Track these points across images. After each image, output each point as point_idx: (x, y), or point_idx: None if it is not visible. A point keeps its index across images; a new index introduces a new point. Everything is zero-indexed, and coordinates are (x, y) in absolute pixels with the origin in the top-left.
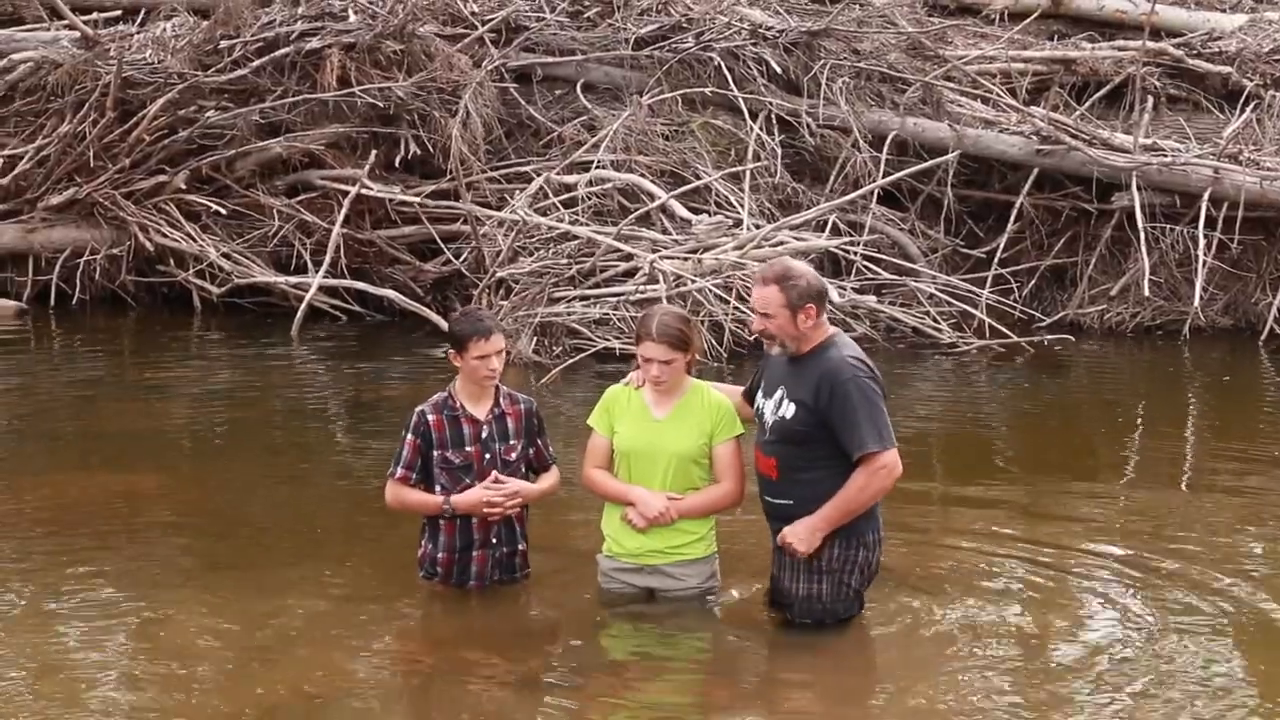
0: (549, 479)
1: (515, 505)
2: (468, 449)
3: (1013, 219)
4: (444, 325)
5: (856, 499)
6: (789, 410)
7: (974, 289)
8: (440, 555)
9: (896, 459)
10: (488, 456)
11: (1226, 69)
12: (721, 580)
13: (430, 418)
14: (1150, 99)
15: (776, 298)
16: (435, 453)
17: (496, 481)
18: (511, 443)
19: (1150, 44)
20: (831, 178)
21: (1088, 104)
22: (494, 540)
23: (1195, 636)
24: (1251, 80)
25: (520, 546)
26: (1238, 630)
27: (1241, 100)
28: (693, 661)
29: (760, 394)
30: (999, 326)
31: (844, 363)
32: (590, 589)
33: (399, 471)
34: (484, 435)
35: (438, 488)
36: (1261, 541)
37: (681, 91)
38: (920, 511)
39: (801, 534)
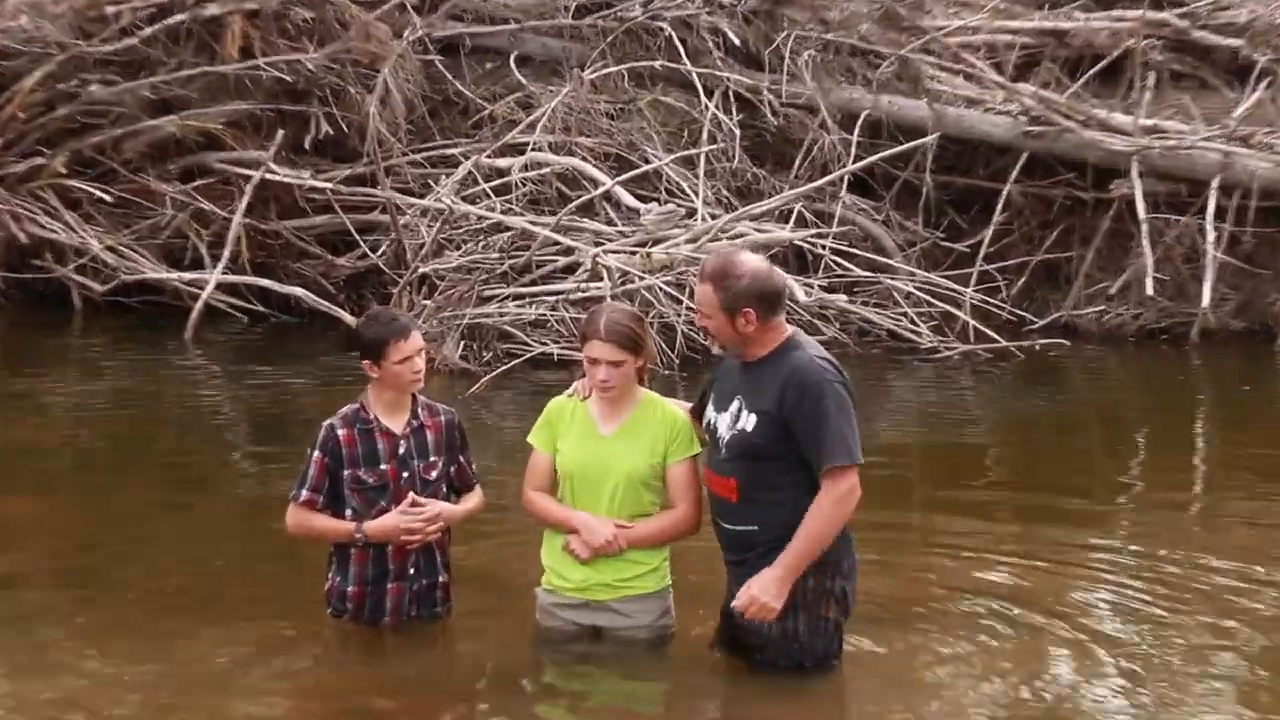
0: (473, 500)
1: (436, 531)
2: (382, 467)
3: (999, 209)
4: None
5: (825, 530)
6: (749, 422)
7: (957, 287)
8: (350, 589)
9: (857, 481)
10: (405, 475)
11: (1236, 42)
12: (677, 617)
13: (340, 432)
14: (1152, 75)
15: (711, 298)
16: (345, 472)
17: (414, 505)
18: (431, 459)
19: (1151, 14)
20: (796, 162)
21: (1082, 81)
22: (411, 571)
23: (1209, 681)
24: (1264, 54)
25: (441, 578)
26: (1253, 684)
27: (1253, 76)
28: (645, 713)
29: (711, 408)
30: (984, 329)
31: (812, 363)
32: (526, 627)
33: (303, 494)
34: (401, 451)
35: (348, 512)
36: None
37: (628, 65)
38: (897, 536)
39: (770, 588)
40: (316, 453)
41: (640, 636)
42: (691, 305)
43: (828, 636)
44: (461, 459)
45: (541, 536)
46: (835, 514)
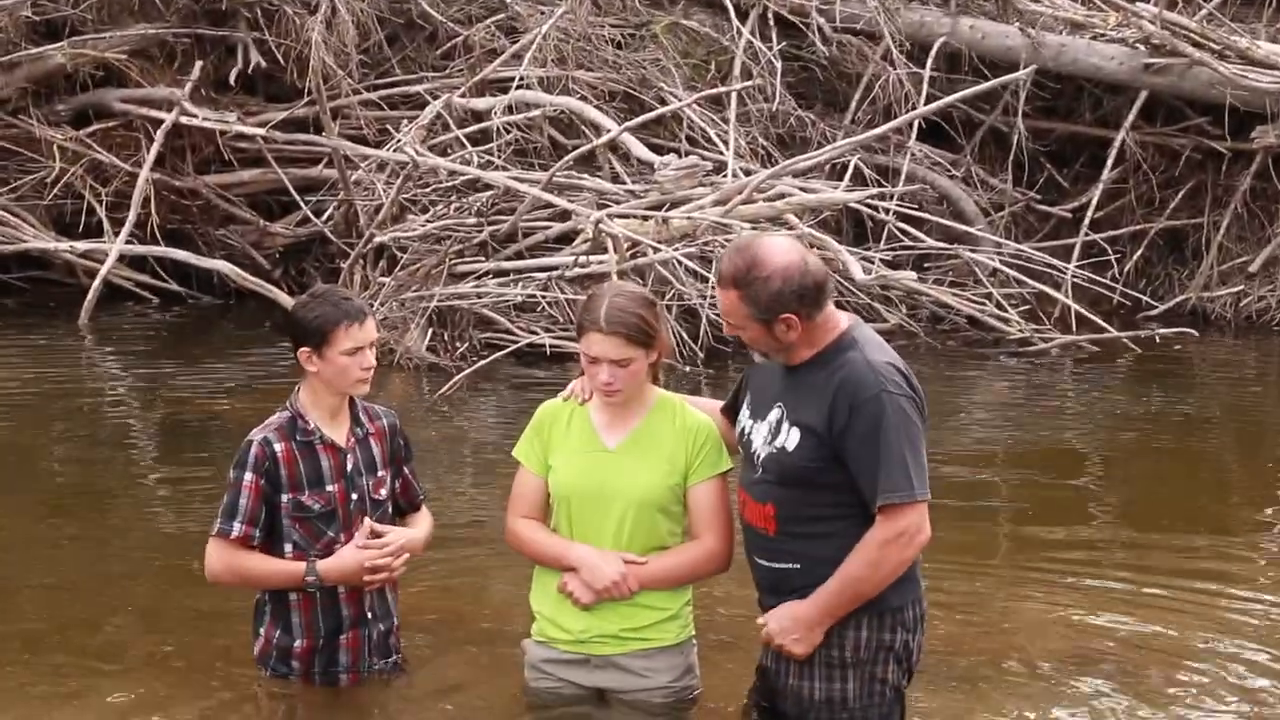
0: (424, 521)
1: (403, 566)
2: (329, 489)
3: (1110, 163)
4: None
5: (867, 578)
6: (790, 438)
7: (1055, 262)
8: (298, 644)
9: (925, 519)
10: (355, 497)
11: None
12: (701, 675)
13: (277, 447)
14: None
15: (737, 307)
16: (284, 497)
17: (373, 534)
18: (380, 474)
19: None
20: (853, 104)
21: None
22: (369, 615)
23: None
24: None
25: (395, 621)
26: None
27: None
28: None
29: (746, 412)
30: (1090, 315)
31: (869, 370)
32: (512, 688)
33: (236, 528)
34: (349, 468)
35: (288, 547)
36: None
37: None
38: (976, 574)
39: (791, 628)
40: (248, 475)
41: (655, 700)
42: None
43: (886, 705)
44: (406, 470)
45: (530, 575)
46: (882, 559)
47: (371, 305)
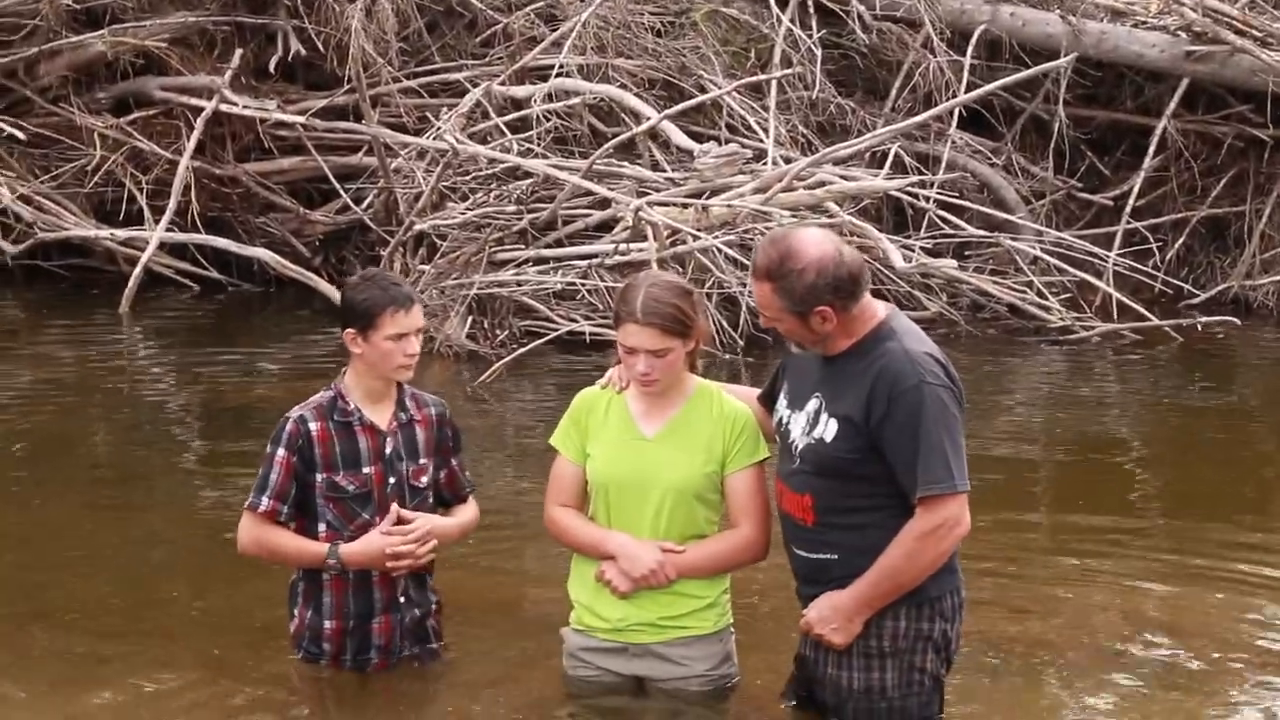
0: (467, 513)
1: (429, 554)
2: (365, 470)
3: (1151, 151)
4: (338, 298)
5: (905, 570)
6: (828, 429)
7: (1096, 250)
8: (327, 626)
9: (965, 510)
10: (392, 481)
11: None
12: (739, 664)
13: (312, 426)
14: None
15: (771, 300)
16: (319, 476)
17: (400, 521)
18: (422, 461)
19: None
20: (893, 92)
21: None
22: (402, 600)
23: None
24: None
25: (433, 605)
26: None
27: None
28: None
29: (784, 401)
30: (1132, 304)
31: (908, 361)
32: (551, 677)
33: (264, 503)
34: (388, 451)
35: (321, 527)
36: None
37: None
38: (1019, 560)
39: (830, 618)
40: (281, 451)
41: (693, 689)
42: None
43: (924, 693)
44: (453, 462)
45: (569, 563)
46: (921, 551)
47: (420, 295)
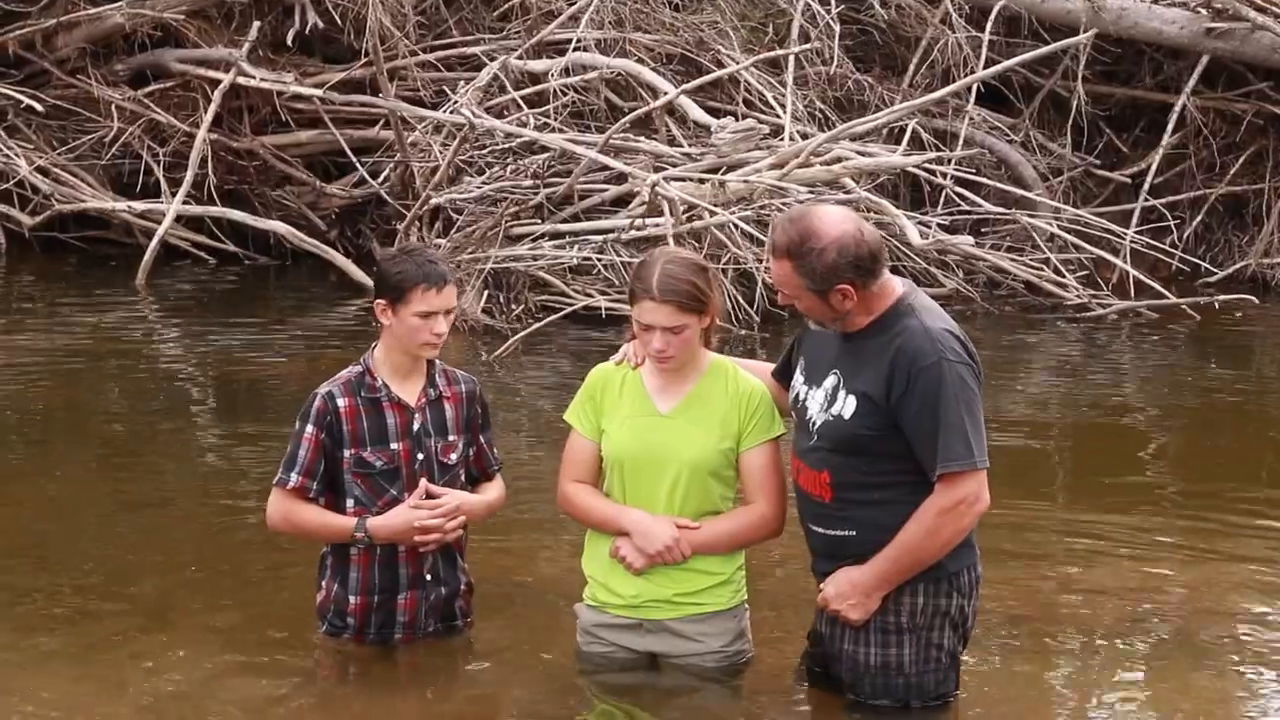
0: (493, 491)
1: (456, 529)
2: (393, 447)
3: (1170, 128)
4: (354, 271)
5: (924, 546)
6: (847, 405)
7: (1114, 228)
8: (353, 601)
9: (984, 487)
10: (420, 457)
11: None
12: (754, 641)
13: (340, 402)
14: None
15: (791, 278)
16: (347, 452)
17: (429, 496)
18: (451, 439)
19: None
20: (911, 68)
21: None
22: (429, 577)
23: None
24: None
25: (462, 585)
26: None
27: None
28: None
29: (801, 377)
30: (1149, 281)
31: (928, 338)
32: (565, 652)
33: (293, 479)
34: (415, 428)
35: (349, 503)
36: None
37: None
38: (1032, 540)
39: (849, 594)
40: (310, 427)
41: (708, 665)
42: None
43: (941, 670)
44: (482, 439)
45: (584, 539)
46: (940, 527)
47: (456, 275)
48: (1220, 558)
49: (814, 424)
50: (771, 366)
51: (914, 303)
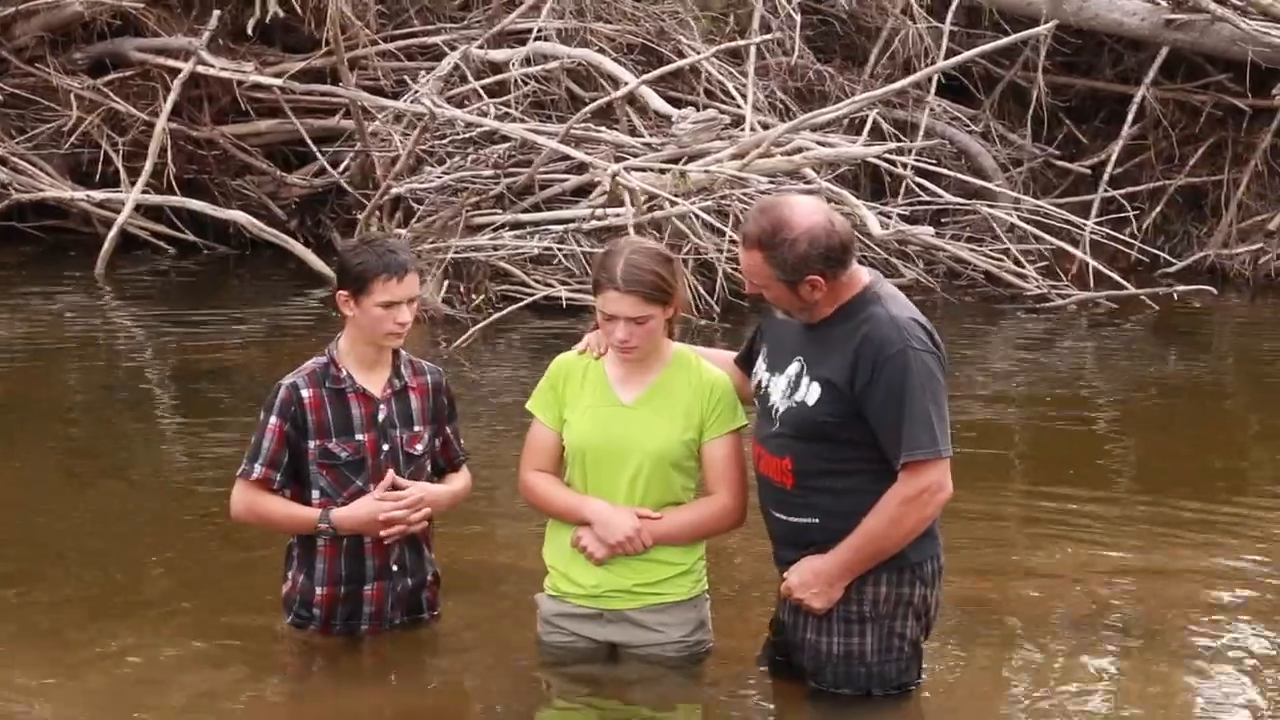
0: (459, 481)
1: (421, 520)
2: (359, 438)
3: (1130, 119)
4: (314, 261)
5: (888, 535)
6: (810, 393)
7: (1073, 218)
8: (318, 592)
9: (948, 476)
10: (386, 448)
11: None
12: (714, 630)
13: (304, 393)
14: None
15: (762, 269)
16: (312, 443)
17: (394, 487)
18: (416, 429)
19: None
20: (872, 58)
21: None
22: (395, 568)
23: None
24: None
25: (429, 576)
26: None
27: None
28: None
29: (763, 364)
30: (1108, 272)
31: (893, 326)
32: (526, 642)
33: (256, 470)
34: (380, 418)
35: (314, 494)
36: None
37: None
38: (996, 527)
39: (812, 583)
40: (273, 418)
41: (668, 655)
42: (736, 237)
43: (903, 659)
44: (448, 430)
45: (544, 529)
46: (904, 516)
47: (419, 264)
48: (1180, 544)
49: (776, 410)
50: (733, 354)
51: (880, 291)
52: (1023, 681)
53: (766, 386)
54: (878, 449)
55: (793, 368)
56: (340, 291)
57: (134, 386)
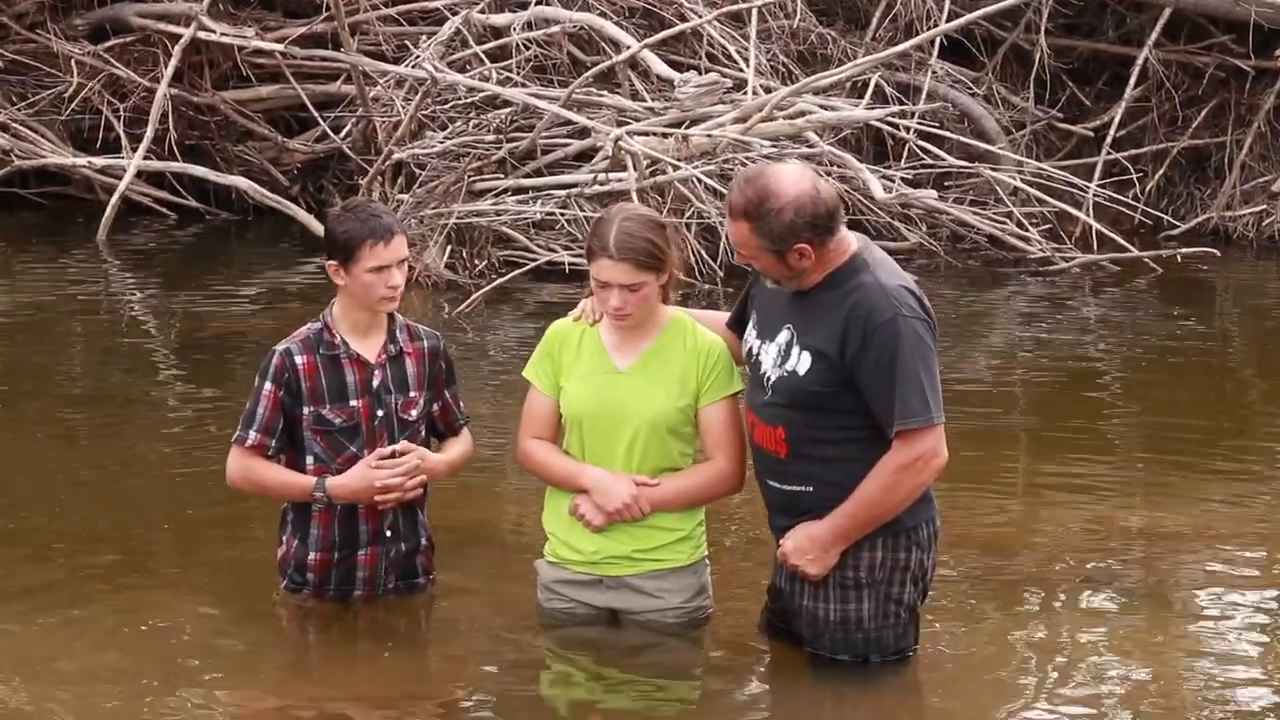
0: (459, 447)
1: (417, 487)
2: (352, 404)
3: (1133, 82)
4: (317, 227)
5: (882, 502)
6: (801, 362)
7: (1077, 180)
8: (312, 557)
9: (942, 443)
10: (380, 414)
11: None
12: (714, 596)
13: (298, 360)
14: None
15: (749, 238)
16: (306, 409)
17: (390, 454)
18: (412, 395)
19: None
20: (874, 21)
21: None
22: (389, 533)
23: None
24: None
25: (423, 541)
26: None
27: None
28: (672, 717)
29: (754, 331)
30: (1112, 234)
31: (882, 294)
32: (525, 609)
33: (251, 436)
34: (375, 384)
35: (309, 460)
36: None
37: None
38: (996, 495)
39: (806, 549)
40: (268, 384)
41: (668, 620)
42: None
43: (900, 624)
44: (447, 395)
45: (543, 495)
46: (898, 483)
47: (403, 225)
48: (1182, 501)
49: (768, 379)
50: (724, 316)
51: (869, 258)
52: (1024, 644)
53: (758, 354)
54: (870, 417)
55: (783, 336)
56: (330, 262)
57: (136, 352)
